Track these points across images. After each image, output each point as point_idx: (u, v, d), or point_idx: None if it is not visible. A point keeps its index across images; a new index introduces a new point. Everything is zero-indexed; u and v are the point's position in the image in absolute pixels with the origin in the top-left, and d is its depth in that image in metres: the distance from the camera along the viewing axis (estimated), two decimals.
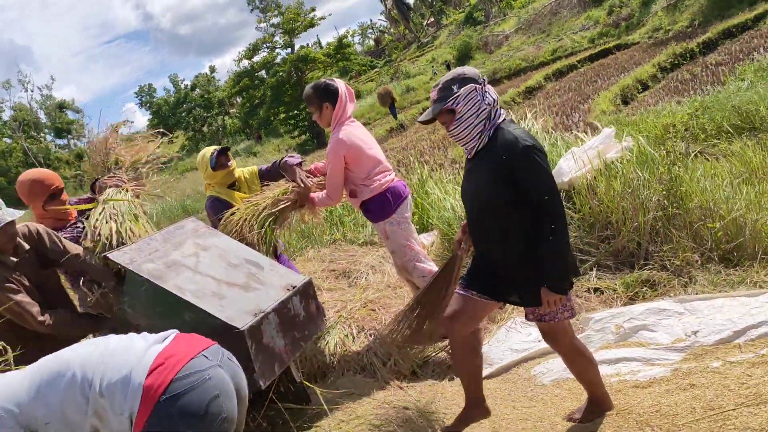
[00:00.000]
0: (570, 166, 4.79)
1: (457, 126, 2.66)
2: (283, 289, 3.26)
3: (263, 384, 2.89)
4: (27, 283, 2.92)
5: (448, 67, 38.05)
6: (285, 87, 34.62)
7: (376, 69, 51.29)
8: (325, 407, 3.30)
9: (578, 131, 6.65)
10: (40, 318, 2.84)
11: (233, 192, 4.05)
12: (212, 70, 55.25)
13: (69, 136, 49.48)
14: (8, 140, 44.90)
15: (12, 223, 2.83)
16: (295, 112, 35.23)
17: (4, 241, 2.83)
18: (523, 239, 2.61)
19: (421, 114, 2.82)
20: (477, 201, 2.77)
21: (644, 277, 4.12)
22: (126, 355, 1.86)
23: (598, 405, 2.88)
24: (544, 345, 3.68)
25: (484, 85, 2.67)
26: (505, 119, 2.67)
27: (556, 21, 34.39)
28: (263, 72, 37.99)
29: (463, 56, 37.89)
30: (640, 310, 3.69)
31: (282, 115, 36.02)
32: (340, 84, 3.86)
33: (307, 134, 35.48)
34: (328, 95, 3.80)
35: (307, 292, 3.39)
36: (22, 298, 2.81)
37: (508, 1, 42.85)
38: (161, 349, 1.88)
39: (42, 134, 47.53)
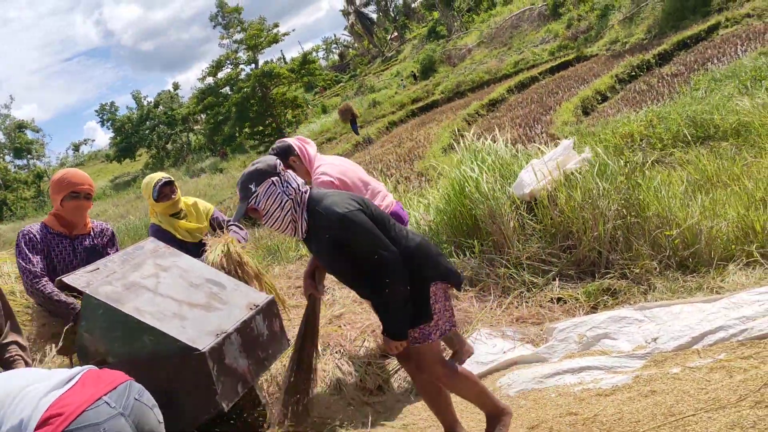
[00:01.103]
0: (531, 177, 4.86)
1: (267, 221, 2.72)
2: (245, 308, 3.21)
3: (226, 406, 2.83)
4: None
5: (415, 78, 38.41)
6: (250, 103, 34.50)
7: (341, 84, 51.47)
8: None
9: (541, 143, 6.75)
10: None
11: (176, 221, 3.95)
12: (176, 86, 54.91)
13: (29, 156, 48.39)
14: None
15: None
16: (260, 128, 35.11)
17: None
18: (372, 293, 2.73)
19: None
20: (330, 269, 2.92)
21: (605, 285, 4.19)
22: (21, 401, 1.70)
23: (496, 416, 2.84)
24: (509, 356, 3.72)
25: (283, 175, 2.71)
26: (313, 195, 2.71)
27: (517, 34, 34.98)
28: (227, 88, 37.76)
29: (427, 69, 38.25)
30: (601, 318, 3.74)
31: (247, 131, 35.82)
32: (285, 140, 3.80)
33: None
34: (285, 154, 3.68)
35: (270, 310, 3.35)
36: None
37: (469, 15, 43.48)
38: (59, 395, 1.72)
39: (1, 155, 46.44)
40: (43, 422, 1.63)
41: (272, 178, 2.67)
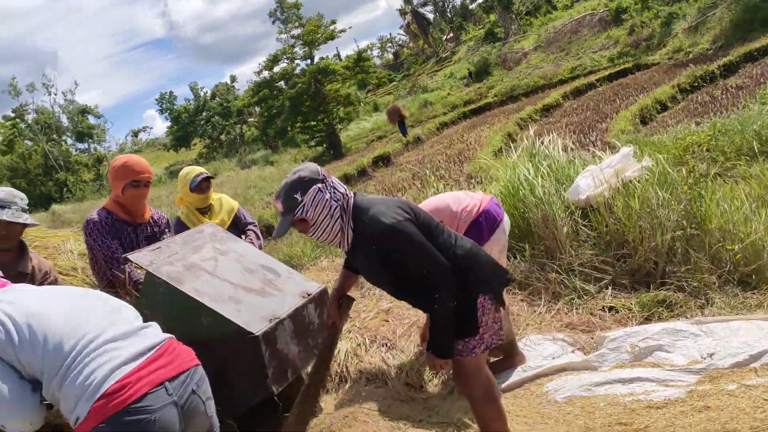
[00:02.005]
0: (587, 183, 4.79)
1: (315, 231, 2.51)
2: (298, 296, 3.27)
3: (276, 389, 2.89)
4: None
5: (471, 76, 38.21)
6: (303, 98, 34.81)
7: (394, 83, 51.56)
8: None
9: (595, 150, 6.64)
10: None
11: (200, 216, 4.04)
12: (233, 79, 55.90)
13: (90, 140, 50.06)
14: (29, 143, 45.54)
15: (12, 224, 2.84)
16: (313, 123, 35.41)
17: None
18: (421, 303, 2.62)
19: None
20: (375, 281, 2.78)
21: (660, 297, 4.10)
22: (99, 356, 1.76)
23: None
24: (557, 362, 3.67)
25: (327, 180, 2.52)
26: (357, 203, 2.52)
27: (576, 40, 34.43)
28: (282, 82, 38.26)
29: (481, 72, 37.99)
30: (655, 330, 3.66)
31: (299, 125, 36.23)
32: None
33: (324, 145, 35.65)
34: None
35: (322, 300, 3.40)
36: None
37: (528, 18, 42.97)
38: (134, 366, 1.77)
39: (63, 138, 48.15)
40: (110, 393, 1.69)
41: (318, 185, 2.48)
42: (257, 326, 2.87)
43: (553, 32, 36.77)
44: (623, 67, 25.81)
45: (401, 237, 2.39)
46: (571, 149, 5.96)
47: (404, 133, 28.04)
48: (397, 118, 28.72)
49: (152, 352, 1.84)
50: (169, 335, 2.01)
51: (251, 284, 3.17)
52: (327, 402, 3.78)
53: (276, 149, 40.63)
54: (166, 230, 3.71)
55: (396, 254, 2.43)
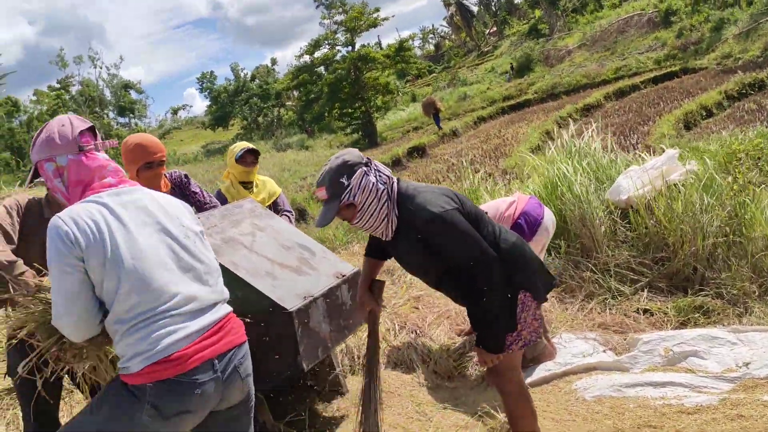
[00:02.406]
0: (629, 184, 4.70)
1: (361, 218, 2.42)
2: (332, 277, 3.29)
3: (306, 366, 2.92)
4: (26, 240, 2.68)
5: (512, 68, 37.82)
6: (342, 84, 34.83)
7: (434, 74, 51.27)
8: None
9: (635, 153, 6.53)
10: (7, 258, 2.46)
11: (243, 190, 4.17)
12: (273, 62, 56.06)
13: (131, 115, 50.92)
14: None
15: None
16: (350, 110, 35.43)
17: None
18: (465, 295, 2.47)
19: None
20: (416, 271, 2.67)
21: (698, 303, 4.02)
22: (163, 319, 1.78)
23: None
24: (588, 360, 3.64)
25: (371, 164, 2.45)
26: (402, 189, 2.44)
27: (622, 39, 33.76)
28: (322, 68, 38.33)
29: (523, 67, 37.54)
30: (691, 335, 3.60)
31: (336, 112, 36.28)
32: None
33: (359, 133, 35.68)
34: None
35: (355, 281, 3.41)
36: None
37: (574, 15, 42.27)
38: (195, 339, 1.81)
39: (105, 111, 49.03)
40: (168, 361, 1.74)
41: (363, 168, 2.39)
42: (291, 303, 2.89)
43: (599, 31, 36.10)
44: (669, 70, 25.23)
45: (449, 226, 2.31)
46: (612, 150, 5.85)
47: (439, 125, 27.92)
48: (432, 110, 28.58)
49: (213, 326, 1.88)
50: (230, 308, 2.02)
51: (287, 261, 3.20)
52: (352, 383, 3.81)
53: (312, 134, 40.79)
54: (189, 186, 3.58)
55: (442, 244, 2.35)
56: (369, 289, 2.86)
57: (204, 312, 1.87)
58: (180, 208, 2.05)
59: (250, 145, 4.17)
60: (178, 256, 1.89)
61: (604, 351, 3.73)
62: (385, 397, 3.57)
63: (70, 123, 1.99)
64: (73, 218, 1.78)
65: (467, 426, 3.18)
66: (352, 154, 2.45)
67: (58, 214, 1.82)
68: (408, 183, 2.48)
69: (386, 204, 2.39)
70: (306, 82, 38.00)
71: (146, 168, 3.21)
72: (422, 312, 4.37)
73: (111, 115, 49.95)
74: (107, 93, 49.70)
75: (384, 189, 2.40)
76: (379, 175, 2.42)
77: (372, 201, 2.38)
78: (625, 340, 3.81)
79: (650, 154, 5.67)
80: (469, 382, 3.69)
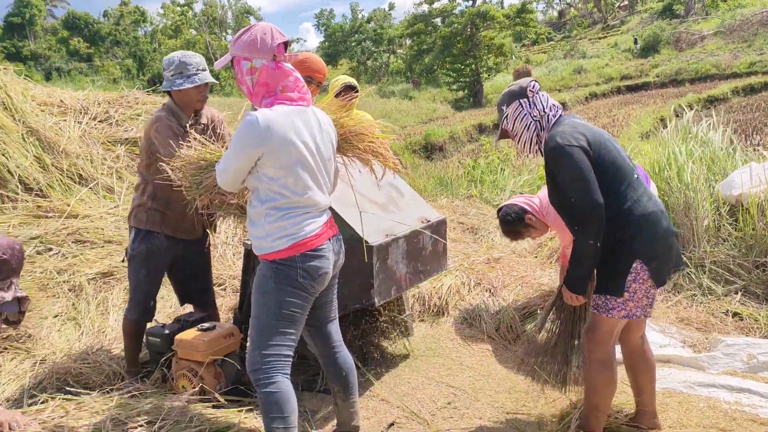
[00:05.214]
0: (744, 180, 4.41)
1: (516, 142, 2.71)
2: (417, 220, 3.31)
3: (378, 301, 2.98)
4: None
5: (636, 42, 35.91)
6: (456, 39, 34.23)
7: (552, 42, 49.41)
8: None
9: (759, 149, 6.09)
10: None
11: None
12: (391, 6, 55.63)
13: None
14: (194, 32, 48.23)
15: (207, 85, 3.12)
16: (460, 66, 34.83)
17: (195, 98, 3.10)
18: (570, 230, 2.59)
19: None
20: (549, 196, 2.73)
21: None
22: (309, 219, 2.33)
23: (586, 425, 2.66)
24: (664, 352, 3.51)
25: (532, 97, 2.64)
26: (556, 121, 2.62)
27: (764, 33, 31.19)
28: (439, 20, 37.72)
29: (649, 47, 35.54)
30: None
31: (446, 67, 35.75)
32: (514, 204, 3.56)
33: (465, 91, 35.11)
34: (520, 219, 3.49)
35: (438, 229, 3.42)
36: (173, 142, 2.91)
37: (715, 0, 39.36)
38: (323, 222, 2.38)
39: (224, 33, 50.57)
40: (308, 239, 2.30)
41: (521, 99, 2.64)
42: (373, 237, 2.94)
43: (740, 20, 33.46)
44: None
45: (562, 160, 2.44)
46: (731, 142, 5.47)
47: None
48: None
49: (328, 220, 2.44)
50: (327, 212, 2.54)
51: (376, 198, 3.23)
52: (419, 329, 3.86)
53: (417, 85, 40.48)
54: None
55: (556, 174, 2.49)
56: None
57: (325, 212, 2.44)
58: (331, 130, 2.47)
59: (351, 81, 4.15)
60: (320, 173, 2.37)
61: (682, 346, 3.59)
62: (445, 348, 3.61)
63: (271, 33, 2.31)
64: (268, 120, 2.20)
65: (527, 391, 3.17)
66: (520, 84, 2.68)
67: (257, 111, 2.24)
68: (566, 116, 2.66)
69: (535, 133, 2.63)
70: (420, 32, 37.58)
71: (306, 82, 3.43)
72: (499, 273, 4.34)
73: (229, 38, 51.44)
74: (229, 16, 51.12)
75: (533, 121, 2.63)
76: (533, 108, 2.63)
77: (522, 130, 2.64)
78: (706, 338, 3.64)
79: None
80: (535, 347, 3.65)
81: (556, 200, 2.59)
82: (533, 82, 2.67)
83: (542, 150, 2.61)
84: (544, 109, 2.63)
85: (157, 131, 3.04)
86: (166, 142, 2.96)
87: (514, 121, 2.65)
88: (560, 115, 2.65)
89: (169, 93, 3.15)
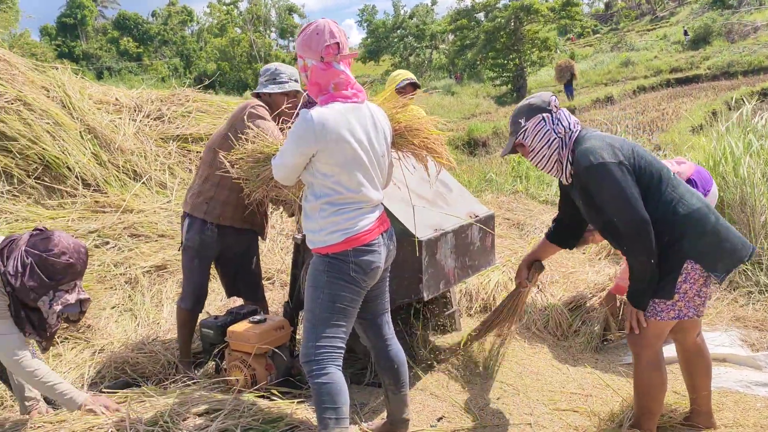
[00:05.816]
0: None
1: (532, 158, 2.62)
2: (465, 215, 3.31)
3: (427, 295, 3.00)
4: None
5: (686, 34, 34.94)
6: (500, 33, 33.81)
7: (598, 35, 48.42)
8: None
9: None
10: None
11: None
12: (433, 2, 55.41)
13: (291, 38, 52.81)
14: (238, 30, 48.99)
15: (297, 96, 3.33)
16: (503, 61, 34.43)
17: (281, 103, 3.31)
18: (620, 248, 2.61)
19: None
20: (585, 216, 2.69)
21: None
22: (348, 206, 2.36)
23: (638, 425, 2.62)
24: (720, 350, 3.43)
25: (555, 112, 2.57)
26: (579, 136, 2.55)
27: None
28: (482, 15, 37.37)
29: (699, 39, 34.49)
30: None
31: (489, 62, 35.38)
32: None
33: (509, 86, 34.69)
34: None
35: (487, 224, 3.41)
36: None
37: None
38: (376, 217, 2.43)
39: (268, 31, 51.21)
40: (361, 234, 2.35)
41: (543, 114, 2.56)
42: (422, 232, 2.96)
43: None
44: None
45: (600, 179, 2.38)
46: None
47: (570, 94, 25.44)
48: (567, 76, 25.71)
49: (380, 216, 2.48)
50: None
51: (424, 192, 3.24)
52: (466, 323, 3.86)
53: (460, 81, 40.20)
54: None
55: (596, 194, 2.43)
56: (528, 266, 3.06)
57: (377, 208, 2.47)
58: (386, 125, 2.49)
59: (413, 77, 4.16)
60: (374, 169, 2.41)
61: (740, 345, 3.49)
62: (500, 348, 3.60)
63: (324, 33, 2.36)
64: (323, 117, 2.27)
65: (577, 388, 3.14)
66: (541, 98, 2.62)
67: (312, 109, 2.31)
68: (588, 130, 2.59)
69: (557, 151, 2.55)
70: (463, 27, 37.28)
71: None
72: (548, 269, 4.29)
73: (273, 36, 52.10)
74: (273, 14, 51.72)
75: (556, 137, 2.54)
76: (558, 124, 2.55)
77: (543, 147, 2.56)
78: (763, 337, 3.54)
79: None
80: (581, 344, 3.61)
81: (598, 221, 2.55)
82: (553, 97, 2.61)
83: (564, 169, 2.55)
84: (569, 126, 2.56)
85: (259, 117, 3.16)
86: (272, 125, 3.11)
87: (534, 136, 2.57)
88: (580, 131, 2.58)
89: (258, 96, 3.34)
